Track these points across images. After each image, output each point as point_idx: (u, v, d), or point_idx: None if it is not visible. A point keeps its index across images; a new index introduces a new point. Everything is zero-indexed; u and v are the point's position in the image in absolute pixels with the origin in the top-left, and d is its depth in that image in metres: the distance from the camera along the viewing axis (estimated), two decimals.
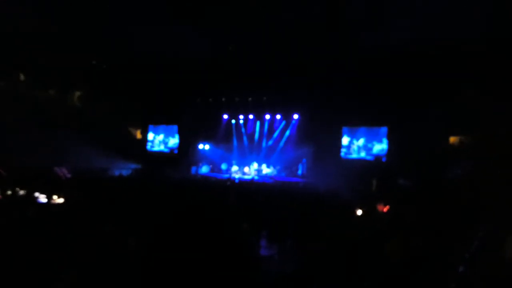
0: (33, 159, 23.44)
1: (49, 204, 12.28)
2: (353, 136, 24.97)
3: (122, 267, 5.57)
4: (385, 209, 12.96)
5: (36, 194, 12.81)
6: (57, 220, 8.83)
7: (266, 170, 26.86)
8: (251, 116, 28.31)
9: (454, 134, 21.82)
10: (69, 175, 23.91)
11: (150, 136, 31.69)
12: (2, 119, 25.10)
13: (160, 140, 31.30)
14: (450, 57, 18.52)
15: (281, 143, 27.63)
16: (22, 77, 29.07)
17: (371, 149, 24.48)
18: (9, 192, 13.39)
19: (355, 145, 24.73)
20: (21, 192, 13.31)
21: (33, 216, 9.06)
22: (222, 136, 29.04)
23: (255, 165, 27.11)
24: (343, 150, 25.04)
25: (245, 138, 28.83)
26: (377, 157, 24.16)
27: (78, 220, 8.71)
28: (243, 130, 28.86)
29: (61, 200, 12.58)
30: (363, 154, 24.60)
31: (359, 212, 12.82)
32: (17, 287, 4.74)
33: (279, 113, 27.38)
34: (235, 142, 28.97)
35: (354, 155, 24.83)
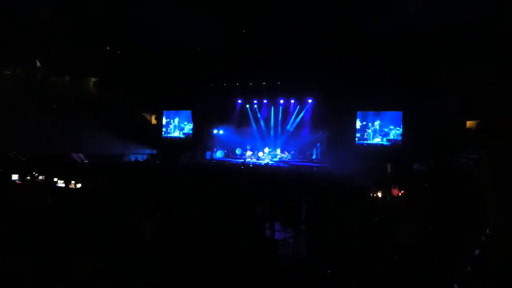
0: (51, 145, 23.84)
1: (67, 189, 12.52)
2: (368, 120, 24.62)
3: (140, 249, 5.68)
4: (399, 194, 12.94)
5: (55, 179, 13.05)
6: (75, 205, 9.02)
7: (280, 154, 26.86)
8: (265, 101, 28.23)
9: (471, 119, 21.51)
10: (86, 161, 24.29)
11: (164, 121, 31.81)
12: (20, 107, 25.48)
13: (176, 125, 31.33)
14: (466, 40, 18.17)
15: (295, 128, 27.54)
16: (38, 64, 29.40)
17: (388, 133, 23.94)
18: (28, 178, 13.69)
19: (370, 130, 24.41)
20: (40, 178, 13.58)
21: (52, 203, 9.25)
22: (236, 121, 29.01)
23: (268, 150, 27.12)
24: (358, 135, 24.74)
25: (259, 123, 28.79)
26: (394, 142, 23.63)
27: (96, 204, 8.88)
28: (257, 115, 28.81)
29: (78, 185, 12.81)
30: (378, 140, 24.15)
31: (374, 196, 12.83)
32: (38, 269, 4.87)
33: (293, 98, 27.23)
34: (249, 127, 28.95)
35: (369, 141, 24.41)
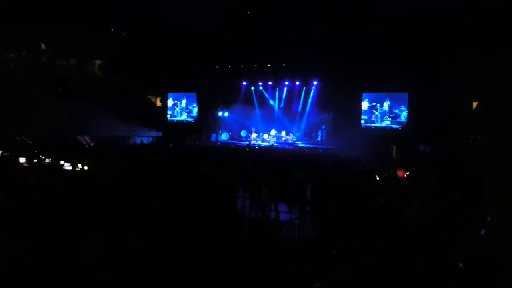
0: (57, 128, 23.95)
1: (74, 171, 12.63)
2: (377, 101, 23.87)
3: (146, 230, 5.73)
4: (405, 175, 12.97)
5: (61, 162, 13.16)
6: (82, 187, 9.10)
7: (285, 137, 26.85)
8: (270, 83, 28.09)
9: (477, 100, 21.31)
10: (92, 143, 24.44)
11: (170, 103, 31.75)
12: (26, 89, 25.53)
13: (183, 107, 31.18)
14: (473, 20, 17.90)
15: (300, 110, 27.45)
16: (43, 46, 29.33)
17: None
18: (35, 161, 13.81)
19: (377, 112, 23.80)
20: (47, 161, 13.70)
21: (59, 184, 9.34)
22: (241, 103, 28.93)
23: (273, 132, 27.11)
24: (364, 117, 24.24)
25: (264, 105, 28.71)
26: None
27: (102, 187, 8.95)
28: (262, 97, 28.71)
29: (85, 168, 12.91)
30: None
31: (379, 178, 12.86)
32: (46, 251, 4.94)
33: (298, 80, 27.06)
34: (254, 109, 28.90)
35: (377, 123, 23.78)
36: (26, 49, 28.59)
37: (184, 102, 31.24)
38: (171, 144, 25.78)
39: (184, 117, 31.20)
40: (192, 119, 30.75)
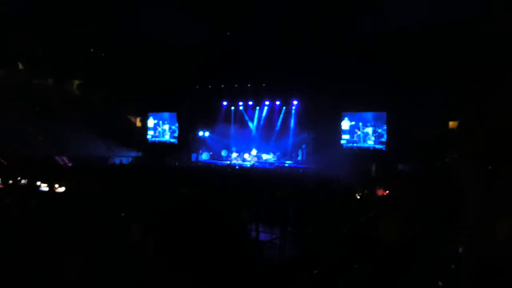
0: (34, 148, 23.51)
1: (51, 192, 12.37)
2: (359, 121, 23.83)
3: (126, 253, 5.64)
4: (384, 194, 13.09)
5: (38, 183, 12.89)
6: (59, 209, 8.91)
7: (265, 156, 26.90)
8: (250, 103, 28.23)
9: (453, 119, 21.76)
10: (69, 164, 24.02)
11: (150, 123, 31.56)
12: (2, 109, 25.07)
13: (164, 129, 30.97)
14: (449, 42, 18.40)
15: (281, 129, 27.57)
16: (20, 66, 28.97)
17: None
18: (10, 182, 13.49)
19: (360, 131, 23.70)
20: (23, 181, 13.40)
21: (35, 206, 9.13)
22: (221, 123, 28.98)
23: (254, 152, 27.14)
24: (346, 137, 24.12)
25: (244, 125, 28.79)
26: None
27: (80, 208, 8.79)
28: (243, 117, 28.81)
29: (62, 189, 12.66)
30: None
31: (359, 197, 12.96)
32: (22, 275, 4.81)
33: (278, 99, 27.25)
34: (235, 129, 28.95)
35: (359, 144, 23.56)
36: (3, 69, 28.21)
37: (167, 123, 31.07)
38: (155, 164, 25.58)
39: (167, 137, 30.97)
40: (176, 140, 30.50)
